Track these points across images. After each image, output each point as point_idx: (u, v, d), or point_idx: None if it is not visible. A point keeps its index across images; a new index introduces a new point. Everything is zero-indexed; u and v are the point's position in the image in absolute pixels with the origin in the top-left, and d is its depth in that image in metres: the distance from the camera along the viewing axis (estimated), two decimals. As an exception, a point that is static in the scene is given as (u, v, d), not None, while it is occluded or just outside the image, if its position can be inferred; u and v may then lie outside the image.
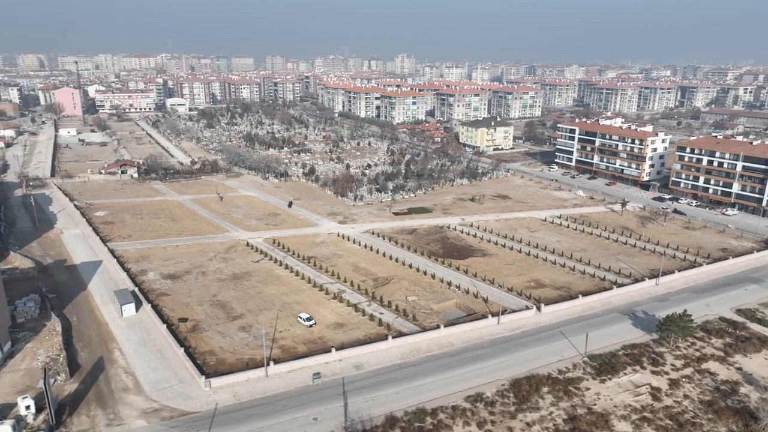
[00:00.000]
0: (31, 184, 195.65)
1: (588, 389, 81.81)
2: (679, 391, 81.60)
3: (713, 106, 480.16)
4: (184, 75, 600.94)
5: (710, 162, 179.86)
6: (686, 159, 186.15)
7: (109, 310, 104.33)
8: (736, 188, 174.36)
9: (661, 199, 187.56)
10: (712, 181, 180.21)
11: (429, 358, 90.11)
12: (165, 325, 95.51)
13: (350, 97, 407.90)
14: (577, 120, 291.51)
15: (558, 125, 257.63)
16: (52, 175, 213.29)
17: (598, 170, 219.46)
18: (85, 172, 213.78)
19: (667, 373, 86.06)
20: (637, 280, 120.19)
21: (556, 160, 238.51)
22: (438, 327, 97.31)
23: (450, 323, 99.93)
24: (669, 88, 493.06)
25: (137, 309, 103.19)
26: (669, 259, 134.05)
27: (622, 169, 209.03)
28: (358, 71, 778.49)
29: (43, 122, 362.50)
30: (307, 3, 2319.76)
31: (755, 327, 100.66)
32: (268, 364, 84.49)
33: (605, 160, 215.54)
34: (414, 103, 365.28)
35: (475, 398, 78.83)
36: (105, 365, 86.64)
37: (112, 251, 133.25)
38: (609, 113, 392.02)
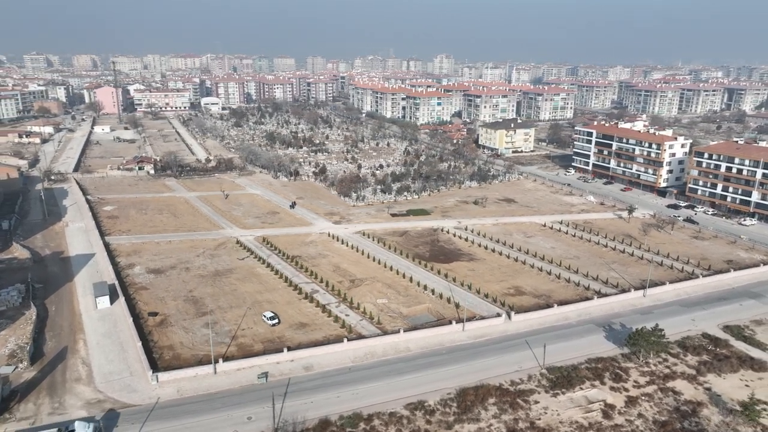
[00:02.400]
0: (52, 178, 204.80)
1: (537, 403, 78.71)
2: (635, 410, 77.42)
3: (763, 109, 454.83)
4: (221, 75, 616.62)
5: (729, 168, 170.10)
6: (704, 165, 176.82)
7: (87, 301, 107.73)
8: (755, 197, 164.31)
9: (676, 207, 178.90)
10: (731, 189, 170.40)
11: (382, 363, 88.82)
12: (131, 318, 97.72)
13: (377, 97, 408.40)
14: (606, 123, 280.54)
15: (575, 128, 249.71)
16: (75, 170, 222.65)
17: (614, 175, 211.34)
18: (105, 167, 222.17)
19: (626, 390, 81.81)
20: (624, 291, 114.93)
21: (572, 164, 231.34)
22: (398, 331, 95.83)
23: (412, 328, 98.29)
24: (714, 90, 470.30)
25: (112, 301, 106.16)
26: (666, 269, 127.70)
27: (639, 175, 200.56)
28: (395, 71, 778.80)
29: (83, 120, 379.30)
30: (354, 4, 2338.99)
31: (739, 345, 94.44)
32: (217, 362, 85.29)
33: (622, 164, 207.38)
34: (439, 104, 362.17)
35: (415, 406, 77.14)
36: (67, 355, 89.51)
37: (107, 245, 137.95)
38: (644, 116, 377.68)
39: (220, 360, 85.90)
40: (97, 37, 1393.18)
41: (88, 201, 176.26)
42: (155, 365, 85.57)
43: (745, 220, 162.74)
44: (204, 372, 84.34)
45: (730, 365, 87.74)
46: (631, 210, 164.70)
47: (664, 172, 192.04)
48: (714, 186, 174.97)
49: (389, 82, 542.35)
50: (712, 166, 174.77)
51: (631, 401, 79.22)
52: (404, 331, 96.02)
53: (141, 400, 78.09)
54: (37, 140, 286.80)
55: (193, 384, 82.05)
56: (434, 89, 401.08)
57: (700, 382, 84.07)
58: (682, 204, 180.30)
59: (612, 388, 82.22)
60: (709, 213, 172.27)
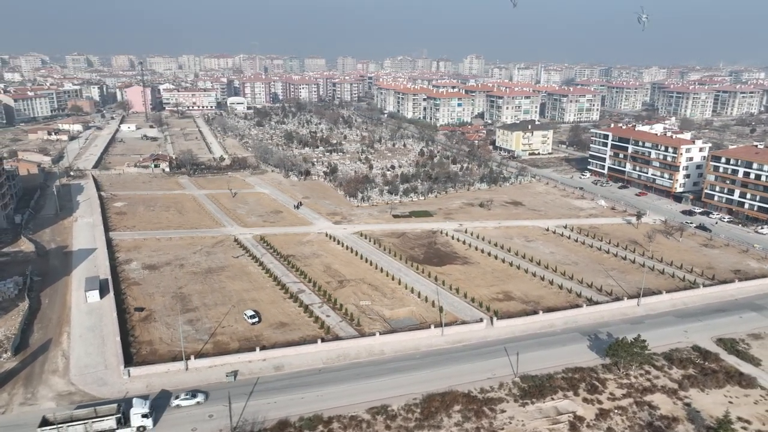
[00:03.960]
0: (71, 174, 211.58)
1: (503, 412, 76.74)
2: (605, 423, 74.64)
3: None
4: (248, 75, 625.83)
5: (746, 174, 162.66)
6: (721, 170, 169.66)
7: (79, 295, 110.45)
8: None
9: (690, 213, 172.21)
10: (748, 195, 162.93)
11: (353, 365, 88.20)
12: (116, 313, 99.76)
13: (399, 98, 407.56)
14: (634, 125, 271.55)
15: (591, 130, 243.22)
16: (95, 167, 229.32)
17: (630, 179, 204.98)
18: (123, 165, 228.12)
19: (600, 403, 78.96)
20: (617, 299, 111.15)
21: (588, 167, 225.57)
22: (374, 334, 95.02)
23: (389, 331, 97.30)
24: (751, 92, 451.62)
25: (102, 296, 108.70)
26: (667, 278, 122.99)
27: (654, 179, 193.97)
28: (422, 72, 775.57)
29: (112, 118, 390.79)
30: (388, 4, 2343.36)
31: (730, 360, 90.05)
32: (189, 359, 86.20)
33: (637, 168, 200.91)
34: (459, 105, 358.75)
35: (378, 410, 76.26)
36: (49, 347, 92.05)
37: (109, 240, 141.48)
38: (673, 118, 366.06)
39: (192, 357, 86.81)
40: (136, 37, 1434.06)
41: (100, 197, 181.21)
42: (130, 360, 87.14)
43: (762, 228, 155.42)
44: (176, 368, 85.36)
45: (716, 380, 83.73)
46: (639, 215, 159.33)
47: (680, 176, 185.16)
48: (731, 192, 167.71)
49: (416, 83, 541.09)
50: (729, 171, 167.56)
51: (602, 414, 76.37)
52: (380, 334, 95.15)
53: (110, 394, 79.58)
54: (65, 138, 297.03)
55: (162, 380, 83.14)
56: (456, 90, 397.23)
57: (681, 397, 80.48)
58: (697, 210, 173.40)
59: (585, 400, 79.50)
60: (725, 220, 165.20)
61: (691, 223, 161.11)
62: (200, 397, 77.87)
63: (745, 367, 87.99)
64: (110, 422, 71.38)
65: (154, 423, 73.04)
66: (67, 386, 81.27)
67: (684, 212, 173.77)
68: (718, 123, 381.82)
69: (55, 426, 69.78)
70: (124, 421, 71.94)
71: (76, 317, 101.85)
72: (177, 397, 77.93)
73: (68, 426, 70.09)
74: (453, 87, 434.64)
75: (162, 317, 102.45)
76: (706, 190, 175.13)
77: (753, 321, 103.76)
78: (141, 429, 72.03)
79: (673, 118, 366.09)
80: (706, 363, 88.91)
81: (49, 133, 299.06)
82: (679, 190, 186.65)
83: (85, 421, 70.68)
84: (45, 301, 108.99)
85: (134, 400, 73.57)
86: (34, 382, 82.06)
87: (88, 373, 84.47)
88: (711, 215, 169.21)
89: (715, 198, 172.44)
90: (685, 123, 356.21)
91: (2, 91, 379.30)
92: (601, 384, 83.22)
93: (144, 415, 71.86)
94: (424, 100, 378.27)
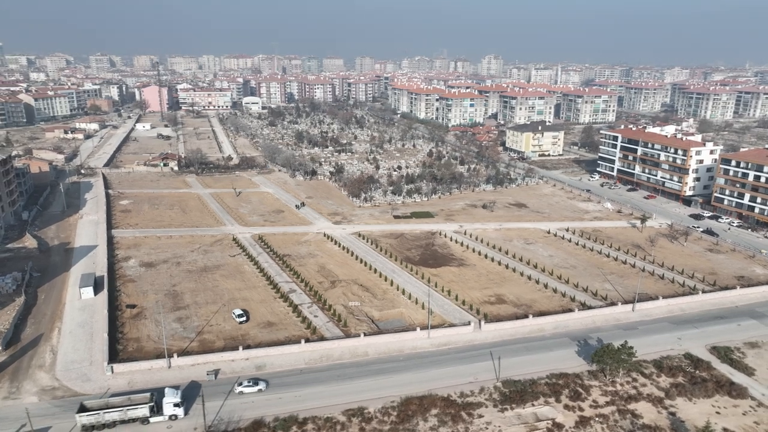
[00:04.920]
0: (82, 172, 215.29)
1: (481, 417, 75.68)
2: (584, 431, 73.00)
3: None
4: (265, 75, 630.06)
5: (757, 177, 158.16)
6: (731, 173, 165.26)
7: (75, 292, 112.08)
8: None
9: (698, 217, 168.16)
10: (759, 200, 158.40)
11: (335, 366, 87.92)
12: (106, 310, 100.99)
13: (412, 98, 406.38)
14: (651, 126, 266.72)
15: (601, 131, 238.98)
16: (107, 165, 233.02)
17: (639, 182, 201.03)
18: (133, 163, 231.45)
19: (581, 410, 77.36)
20: (611, 304, 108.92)
21: (597, 169, 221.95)
22: (359, 335, 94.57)
23: (375, 332, 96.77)
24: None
25: (96, 293, 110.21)
26: (666, 283, 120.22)
27: (664, 182, 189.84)
28: (439, 72, 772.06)
29: (129, 117, 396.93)
30: (412, 4, 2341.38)
31: (722, 368, 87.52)
32: (172, 356, 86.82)
33: (647, 171, 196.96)
34: (471, 105, 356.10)
35: (354, 412, 75.85)
36: (40, 342, 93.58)
37: (111, 237, 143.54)
38: (691, 120, 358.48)
39: (175, 355, 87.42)
40: (158, 38, 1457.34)
41: (107, 195, 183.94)
42: (115, 356, 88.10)
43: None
44: (158, 365, 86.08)
45: (704, 389, 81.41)
46: (644, 219, 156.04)
47: (689, 179, 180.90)
48: (741, 196, 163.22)
49: (432, 83, 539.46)
50: (739, 175, 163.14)
51: (582, 422, 74.83)
52: (365, 335, 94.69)
53: (92, 390, 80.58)
54: (81, 136, 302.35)
55: (145, 376, 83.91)
56: (469, 90, 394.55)
57: (666, 406, 78.44)
58: (706, 214, 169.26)
59: (566, 407, 77.99)
60: (734, 225, 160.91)
61: (698, 227, 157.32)
62: (261, 385, 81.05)
63: (738, 377, 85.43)
64: (144, 410, 73.84)
65: (185, 412, 75.36)
66: (52, 381, 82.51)
67: (692, 216, 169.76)
68: (739, 125, 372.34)
69: (92, 412, 72.14)
70: (156, 409, 74.43)
71: (68, 313, 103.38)
72: (240, 384, 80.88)
73: (104, 413, 72.46)
74: (467, 87, 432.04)
75: (152, 315, 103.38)
76: (715, 194, 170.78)
77: (751, 329, 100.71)
78: (173, 417, 74.64)
79: (691, 120, 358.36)
80: (697, 371, 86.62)
81: (66, 132, 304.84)
82: (689, 193, 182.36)
83: (121, 409, 73.17)
84: (41, 297, 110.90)
85: (166, 390, 76.23)
86: (20, 377, 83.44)
87: (73, 368, 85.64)
88: (720, 219, 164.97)
89: (725, 202, 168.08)
90: (703, 124, 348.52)
91: (24, 91, 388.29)
92: (585, 391, 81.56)
93: (176, 404, 74.68)
94: (437, 100, 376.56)
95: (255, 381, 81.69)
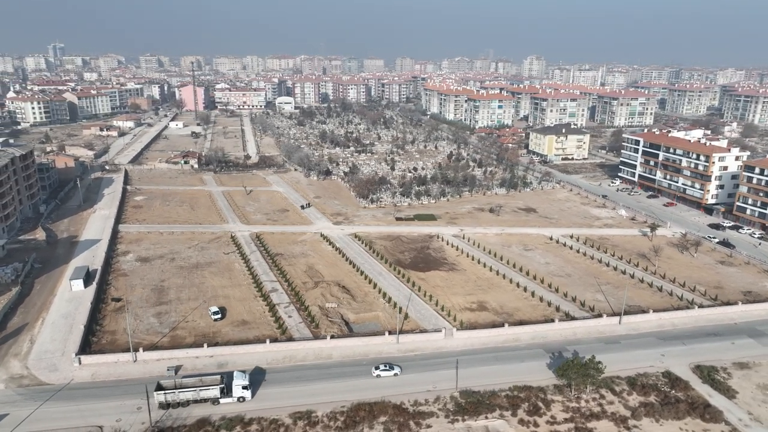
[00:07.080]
0: (106, 168, 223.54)
1: (429, 427, 73.63)
2: (533, 448, 69.95)
3: None
4: (304, 75, 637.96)
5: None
6: (754, 181, 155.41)
7: (67, 283, 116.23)
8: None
9: (718, 227, 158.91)
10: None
11: (296, 368, 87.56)
12: (89, 302, 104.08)
13: (441, 99, 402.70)
14: (666, 131, 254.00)
15: (623, 135, 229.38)
16: (132, 162, 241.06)
17: (660, 188, 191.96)
18: (155, 160, 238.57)
19: (536, 426, 74.09)
20: (597, 316, 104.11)
21: (619, 174, 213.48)
22: (325, 338, 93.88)
23: (344, 335, 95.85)
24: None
25: (86, 285, 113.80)
26: (664, 295, 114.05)
27: (685, 189, 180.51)
28: (477, 73, 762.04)
29: (165, 115, 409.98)
30: (458, 4, 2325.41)
31: (701, 389, 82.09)
32: (137, 350, 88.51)
33: (668, 177, 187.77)
34: (500, 107, 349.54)
35: (301, 415, 75.27)
36: (22, 331, 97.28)
37: (116, 232, 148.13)
38: (734, 124, 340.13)
39: (141, 349, 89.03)
40: (205, 39, 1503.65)
41: (124, 191, 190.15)
42: (85, 348, 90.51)
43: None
44: (124, 359, 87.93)
45: (675, 411, 76.53)
46: (653, 227, 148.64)
47: (711, 186, 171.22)
48: (764, 205, 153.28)
49: (468, 84, 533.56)
50: (763, 183, 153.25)
51: (534, 438, 71.68)
52: (332, 337, 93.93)
53: (56, 380, 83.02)
54: (115, 134, 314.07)
55: (109, 369, 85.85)
56: (501, 92, 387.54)
57: (629, 426, 74.19)
58: (727, 224, 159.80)
59: (521, 422, 74.89)
60: (755, 235, 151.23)
61: (714, 237, 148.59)
62: (396, 369, 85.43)
63: (716, 399, 79.96)
64: (215, 391, 77.44)
65: (253, 395, 78.94)
66: (22, 370, 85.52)
67: (712, 226, 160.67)
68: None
69: (168, 390, 76.61)
70: (226, 391, 77.85)
71: (56, 304, 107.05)
72: (377, 368, 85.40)
73: (179, 392, 76.53)
74: (501, 89, 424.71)
75: (134, 309, 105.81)
76: (737, 203, 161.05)
77: (745, 348, 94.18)
78: (241, 399, 77.97)
79: (734, 124, 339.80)
80: (673, 391, 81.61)
81: (101, 129, 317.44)
82: (711, 201, 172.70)
83: (194, 389, 76.61)
84: (37, 287, 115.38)
85: (235, 373, 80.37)
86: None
87: (45, 358, 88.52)
88: (741, 230, 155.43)
89: (747, 211, 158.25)
90: (747, 129, 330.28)
91: (69, 90, 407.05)
92: (546, 406, 78.11)
93: (244, 387, 78.08)
94: (466, 101, 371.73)
95: (391, 366, 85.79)
